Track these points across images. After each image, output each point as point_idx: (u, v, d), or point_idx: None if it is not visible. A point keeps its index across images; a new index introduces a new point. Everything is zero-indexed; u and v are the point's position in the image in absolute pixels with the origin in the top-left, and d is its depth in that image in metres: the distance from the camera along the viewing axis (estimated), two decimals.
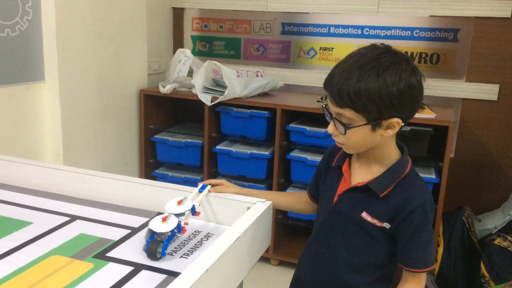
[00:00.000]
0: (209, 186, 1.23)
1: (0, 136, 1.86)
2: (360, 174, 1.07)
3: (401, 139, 2.12)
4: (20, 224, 1.15)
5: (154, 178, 2.62)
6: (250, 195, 1.23)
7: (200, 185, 1.23)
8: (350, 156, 1.10)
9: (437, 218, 2.12)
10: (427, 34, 2.50)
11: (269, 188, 2.38)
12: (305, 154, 2.33)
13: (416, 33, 2.52)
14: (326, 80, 0.99)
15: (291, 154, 2.35)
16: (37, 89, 2.00)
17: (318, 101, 2.36)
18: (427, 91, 2.42)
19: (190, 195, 1.18)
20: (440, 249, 2.15)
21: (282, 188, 2.42)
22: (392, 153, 1.04)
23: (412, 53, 2.54)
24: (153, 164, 2.65)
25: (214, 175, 2.51)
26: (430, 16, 2.46)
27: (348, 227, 1.07)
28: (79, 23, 2.08)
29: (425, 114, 2.11)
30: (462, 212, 2.21)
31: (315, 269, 1.15)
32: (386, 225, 1.02)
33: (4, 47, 1.83)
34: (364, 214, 1.04)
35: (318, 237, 1.14)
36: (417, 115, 2.09)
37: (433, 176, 2.10)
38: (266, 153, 2.38)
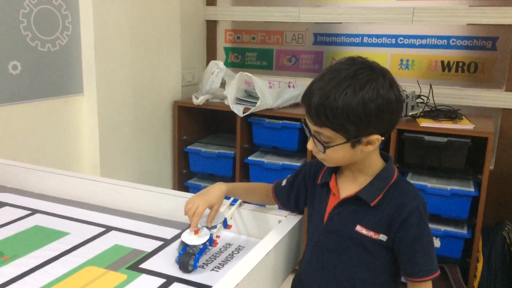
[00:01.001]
0: (240, 200, 1.23)
1: (41, 147, 1.92)
2: (347, 188, 1.03)
3: (437, 151, 2.08)
4: (58, 235, 1.18)
5: (187, 188, 2.65)
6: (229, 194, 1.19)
7: (227, 202, 1.23)
8: (336, 171, 1.06)
9: (476, 233, 2.05)
10: (464, 42, 2.44)
11: None
12: None
13: (453, 41, 2.46)
14: (303, 97, 0.95)
15: None
16: (76, 101, 2.06)
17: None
18: (464, 101, 2.39)
19: (222, 207, 1.18)
20: (480, 265, 2.08)
21: None
22: (376, 163, 1.02)
23: (448, 62, 2.48)
24: (186, 174, 2.68)
25: None
26: (468, 24, 2.39)
27: (343, 246, 1.02)
28: (116, 36, 2.14)
29: (462, 125, 2.05)
30: (503, 227, 2.13)
31: None
32: (383, 237, 0.98)
33: (45, 62, 1.90)
34: (359, 228, 0.99)
35: (311, 261, 1.08)
36: (454, 126, 2.05)
37: (472, 190, 2.03)
38: (298, 164, 2.37)
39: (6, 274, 0.98)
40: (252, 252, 1.00)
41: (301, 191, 1.14)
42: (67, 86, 2.02)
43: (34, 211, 1.32)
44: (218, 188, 1.14)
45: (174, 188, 2.66)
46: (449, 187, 2.05)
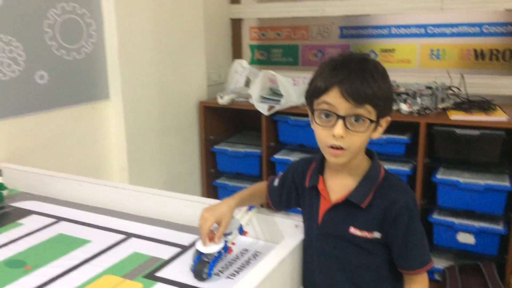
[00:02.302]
0: (256, 207, 1.22)
1: (69, 153, 1.98)
2: (337, 190, 1.03)
3: (470, 144, 1.99)
4: (80, 243, 1.22)
5: (215, 187, 2.67)
6: (221, 205, 1.13)
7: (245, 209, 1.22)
8: (322, 172, 1.06)
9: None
10: (498, 29, 2.32)
11: None
12: None
13: (486, 28, 2.35)
14: (330, 80, 0.93)
15: None
16: (103, 107, 2.11)
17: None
18: (500, 90, 2.28)
19: (239, 213, 1.18)
20: None
21: None
22: (362, 161, 1.02)
23: (481, 50, 2.37)
24: (214, 174, 2.70)
25: None
26: (505, 10, 2.27)
27: (340, 248, 1.03)
28: (140, 41, 2.17)
29: (496, 117, 1.96)
30: None
31: None
32: (377, 234, 0.99)
33: (71, 70, 1.95)
34: (353, 229, 1.00)
35: (313, 264, 1.07)
36: (487, 118, 1.96)
37: (507, 184, 1.94)
38: None
39: (26, 285, 1.01)
40: (267, 259, 0.99)
41: (291, 191, 1.14)
42: (94, 92, 2.07)
43: (59, 219, 1.36)
44: (226, 203, 1.11)
45: (202, 188, 2.68)
46: (482, 182, 1.97)
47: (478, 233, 2.02)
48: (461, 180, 2.01)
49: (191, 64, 2.54)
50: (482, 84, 2.32)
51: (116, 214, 1.39)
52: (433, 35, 2.47)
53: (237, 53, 2.98)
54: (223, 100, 2.49)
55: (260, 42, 2.97)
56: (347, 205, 1.00)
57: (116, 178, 2.17)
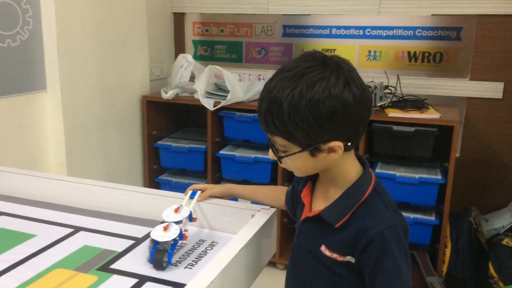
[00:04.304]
0: (199, 192, 1.22)
1: (3, 146, 1.85)
2: (319, 201, 0.94)
3: (405, 140, 2.11)
4: (24, 237, 1.14)
5: (158, 184, 2.61)
6: (232, 192, 1.21)
7: (189, 191, 1.22)
8: (314, 179, 0.97)
9: (443, 220, 2.10)
10: (430, 33, 2.48)
11: None
12: None
13: (419, 32, 2.50)
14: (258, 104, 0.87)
15: None
16: (39, 98, 1.99)
17: None
18: (431, 91, 2.44)
19: (183, 202, 1.16)
20: (448, 251, 2.13)
21: None
22: (349, 172, 0.89)
23: (415, 52, 2.52)
24: (157, 170, 2.64)
25: (218, 180, 2.50)
26: (432, 15, 2.44)
27: (310, 263, 0.93)
28: (80, 31, 2.08)
29: (429, 115, 2.10)
30: (469, 212, 2.19)
31: None
32: (350, 258, 0.87)
33: (5, 58, 1.83)
34: (323, 248, 0.90)
35: (289, 272, 1.02)
36: (421, 116, 2.09)
37: (439, 177, 2.08)
38: None
39: None
40: (226, 249, 0.99)
41: (296, 196, 1.07)
42: (30, 82, 1.95)
43: None
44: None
45: (144, 185, 2.62)
46: (417, 176, 2.10)
47: (412, 224, 2.14)
48: (397, 174, 2.13)
49: (133, 57, 2.47)
50: (415, 84, 2.47)
51: (61, 208, 1.33)
52: (371, 36, 2.59)
53: (179, 48, 2.94)
54: (168, 95, 2.44)
55: (203, 38, 2.95)
56: (322, 220, 0.89)
57: (54, 173, 2.06)
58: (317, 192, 0.96)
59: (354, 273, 0.88)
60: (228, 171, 2.45)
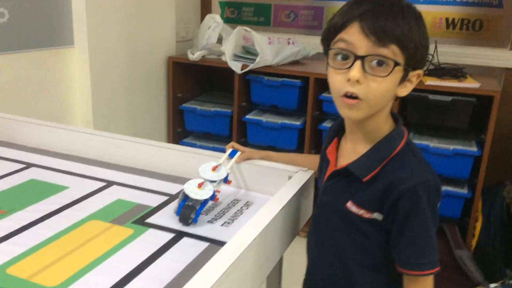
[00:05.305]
0: (239, 153, 1.17)
1: (30, 101, 1.83)
2: (346, 156, 0.89)
3: (441, 110, 2.03)
4: (57, 189, 1.12)
5: None
6: (270, 159, 1.17)
7: (229, 149, 1.18)
8: (339, 135, 0.93)
9: (476, 193, 2.04)
10: None
11: None
12: None
13: None
14: (350, 14, 0.78)
15: (324, 124, 2.27)
16: (67, 54, 1.96)
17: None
18: (468, 60, 2.33)
19: (221, 159, 1.12)
20: (479, 225, 2.08)
21: None
22: (383, 125, 0.85)
23: (453, 19, 2.40)
24: (181, 133, 2.61)
25: (243, 145, 2.44)
26: None
27: (335, 222, 0.89)
28: None
29: (468, 83, 2.01)
30: (503, 187, 2.12)
31: (315, 271, 0.98)
32: (378, 215, 0.83)
33: (33, 10, 1.78)
34: (349, 204, 0.86)
35: (311, 234, 0.98)
36: (459, 84, 2.00)
37: (474, 149, 2.00)
38: (298, 123, 2.31)
39: (5, 228, 0.92)
40: (264, 208, 0.95)
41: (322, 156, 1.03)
42: (57, 37, 1.91)
43: (29, 165, 1.25)
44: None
45: None
46: (451, 147, 2.02)
47: (444, 196, 2.08)
48: (431, 144, 2.06)
49: (160, 16, 2.40)
50: (451, 52, 2.36)
51: (92, 162, 1.30)
52: (408, 1, 2.47)
53: (206, 10, 2.86)
54: (194, 56, 2.38)
55: None
56: (349, 175, 0.85)
57: None
58: (343, 148, 0.92)
59: (381, 231, 0.85)
60: (254, 136, 2.41)
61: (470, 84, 1.99)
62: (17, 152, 1.33)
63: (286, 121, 2.33)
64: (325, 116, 2.30)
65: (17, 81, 1.76)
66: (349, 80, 0.78)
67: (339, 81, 0.80)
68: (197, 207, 0.99)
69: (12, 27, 1.71)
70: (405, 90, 0.82)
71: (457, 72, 2.12)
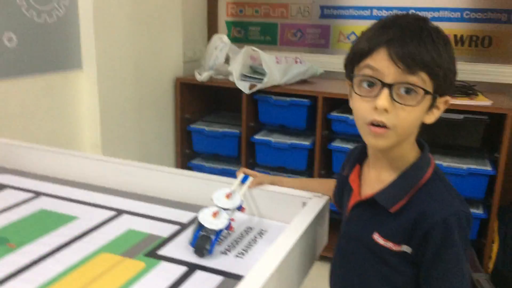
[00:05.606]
0: (251, 178, 1.15)
1: (38, 125, 1.82)
2: (370, 184, 0.86)
3: (453, 128, 2.00)
4: (66, 219, 1.09)
5: (190, 169, 2.56)
6: (281, 184, 1.14)
7: (240, 175, 1.15)
8: (361, 162, 0.91)
9: (492, 213, 1.99)
10: (478, 15, 2.34)
11: None
12: (347, 144, 2.22)
13: (467, 14, 2.36)
14: (377, 40, 0.76)
15: (333, 144, 2.25)
16: (75, 77, 1.95)
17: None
18: (478, 77, 2.30)
19: (233, 186, 1.09)
20: (495, 246, 2.03)
21: None
22: (409, 152, 0.82)
23: (461, 36, 2.38)
24: (189, 154, 2.59)
25: (251, 166, 2.43)
26: None
27: (360, 254, 0.86)
28: (116, 8, 2.02)
29: (480, 101, 1.98)
30: None
31: None
32: (406, 248, 0.80)
33: (41, 34, 1.78)
34: (376, 236, 0.82)
35: (335, 264, 0.95)
36: (471, 102, 1.97)
37: (489, 168, 1.96)
38: (307, 143, 2.28)
39: (14, 263, 0.89)
40: (281, 238, 0.92)
41: (342, 185, 0.99)
42: (66, 60, 1.90)
43: (38, 194, 1.23)
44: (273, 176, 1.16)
45: None
46: (465, 166, 1.99)
47: None
48: (444, 163, 2.02)
49: (167, 37, 2.40)
50: (461, 70, 2.31)
51: (101, 189, 1.27)
52: None
53: (213, 30, 2.86)
54: (202, 77, 2.37)
55: (237, 19, 2.86)
56: (375, 205, 0.82)
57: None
58: (367, 176, 0.89)
59: (409, 264, 0.81)
60: (262, 156, 2.38)
61: (482, 102, 1.97)
62: (26, 180, 1.31)
63: (295, 141, 2.30)
64: (334, 135, 2.27)
65: (26, 106, 1.75)
66: (376, 108, 0.76)
67: (365, 108, 0.77)
68: (212, 237, 0.97)
69: (21, 52, 1.70)
70: (432, 117, 0.81)
71: (468, 89, 2.09)
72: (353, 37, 2.61)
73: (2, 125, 1.67)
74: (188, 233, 1.06)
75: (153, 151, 2.39)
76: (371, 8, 2.54)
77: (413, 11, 1.00)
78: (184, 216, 1.14)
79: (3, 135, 1.57)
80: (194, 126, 2.52)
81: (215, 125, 2.52)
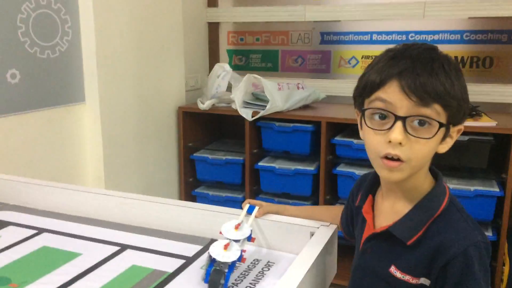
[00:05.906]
0: (257, 207, 1.13)
1: (42, 160, 1.81)
2: (385, 216, 0.85)
3: (458, 150, 1.98)
4: (69, 256, 1.07)
5: (194, 197, 2.54)
6: (287, 212, 1.13)
7: (245, 206, 1.13)
8: (373, 193, 0.89)
9: (502, 235, 1.95)
10: (478, 36, 2.36)
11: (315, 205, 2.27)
12: (352, 169, 2.20)
13: (466, 36, 2.38)
14: (388, 72, 0.74)
15: (338, 169, 2.23)
16: (78, 110, 1.96)
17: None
18: (481, 97, 2.30)
19: (241, 216, 1.07)
20: (506, 269, 1.98)
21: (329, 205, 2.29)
22: (423, 182, 0.81)
23: (462, 57, 2.39)
24: (193, 183, 2.57)
25: (256, 193, 2.41)
26: (481, 17, 2.31)
27: (377, 287, 0.85)
28: (118, 42, 2.04)
29: (484, 122, 1.97)
30: None
31: None
32: (425, 281, 0.78)
33: (44, 69, 1.79)
34: (393, 269, 0.81)
35: None
36: (476, 124, 1.96)
37: (496, 189, 1.94)
38: (311, 168, 2.27)
39: None
40: (290, 271, 0.89)
41: (351, 211, 0.99)
42: (68, 94, 1.91)
43: (40, 230, 1.21)
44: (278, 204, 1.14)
45: (180, 198, 2.55)
46: (472, 188, 1.96)
47: None
48: (450, 186, 1.99)
49: (169, 68, 2.42)
50: None
51: (104, 224, 1.26)
52: (414, 41, 2.47)
53: (214, 58, 2.89)
54: (205, 105, 2.38)
55: (238, 47, 2.89)
56: (390, 237, 0.81)
57: (92, 187, 2.01)
58: (380, 207, 0.87)
59: None
60: (267, 183, 2.36)
61: (486, 123, 1.95)
62: (28, 217, 1.30)
63: (299, 166, 2.29)
64: (338, 160, 2.26)
65: (29, 141, 1.75)
66: (390, 141, 0.74)
67: (378, 142, 0.76)
68: (226, 271, 0.94)
69: (24, 87, 1.71)
70: (445, 147, 0.80)
71: (471, 110, 2.08)
72: (353, 62, 2.62)
73: (5, 160, 1.66)
74: (195, 267, 1.04)
75: (156, 181, 2.38)
76: (371, 33, 2.56)
77: (421, 41, 0.99)
78: (189, 249, 1.12)
79: (6, 170, 1.57)
80: (197, 154, 2.52)
81: (218, 153, 2.51)
